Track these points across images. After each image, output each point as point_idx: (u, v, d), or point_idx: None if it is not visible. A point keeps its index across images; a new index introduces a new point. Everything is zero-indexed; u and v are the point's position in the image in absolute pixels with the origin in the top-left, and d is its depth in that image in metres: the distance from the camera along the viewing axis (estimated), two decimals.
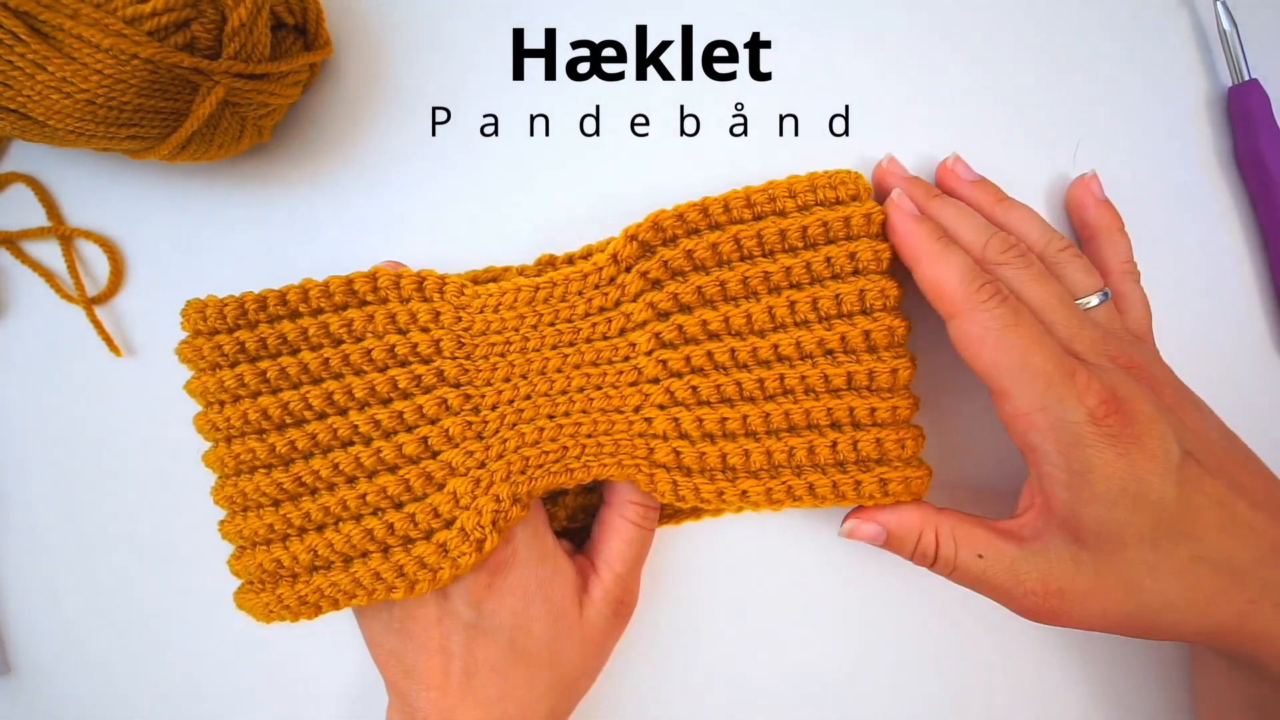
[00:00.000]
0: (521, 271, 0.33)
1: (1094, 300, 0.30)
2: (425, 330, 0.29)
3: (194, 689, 0.35)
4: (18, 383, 0.35)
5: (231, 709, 0.35)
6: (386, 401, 0.29)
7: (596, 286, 0.30)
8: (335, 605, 0.29)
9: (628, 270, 0.30)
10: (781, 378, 0.29)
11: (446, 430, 0.29)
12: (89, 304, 0.35)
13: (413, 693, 0.29)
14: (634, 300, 0.30)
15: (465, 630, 0.29)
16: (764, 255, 0.30)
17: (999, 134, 0.35)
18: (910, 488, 0.29)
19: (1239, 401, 0.34)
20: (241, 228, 0.35)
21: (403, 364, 0.29)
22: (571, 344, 0.30)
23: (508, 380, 0.29)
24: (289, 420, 0.29)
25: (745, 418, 0.29)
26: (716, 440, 0.29)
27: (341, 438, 0.29)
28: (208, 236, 0.35)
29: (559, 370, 0.30)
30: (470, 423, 0.29)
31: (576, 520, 0.34)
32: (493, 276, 0.33)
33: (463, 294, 0.30)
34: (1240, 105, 0.34)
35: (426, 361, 0.29)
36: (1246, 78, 0.34)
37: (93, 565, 0.35)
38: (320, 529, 0.29)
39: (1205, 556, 0.25)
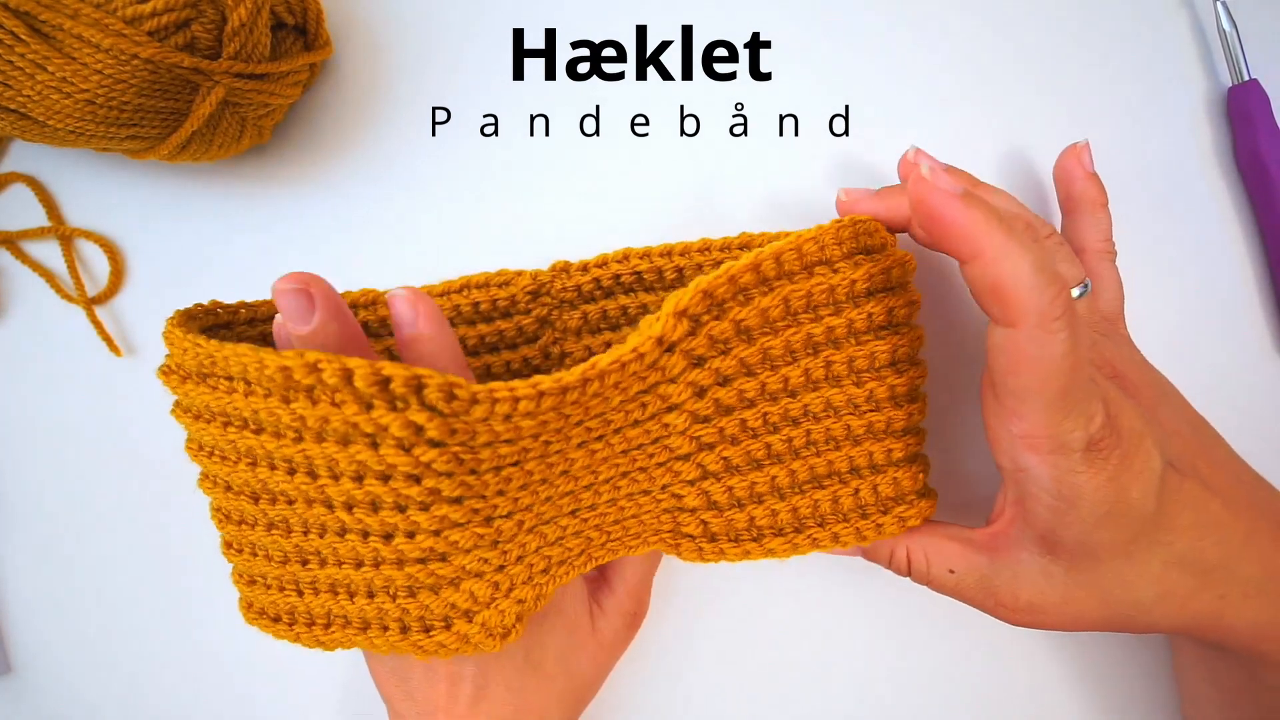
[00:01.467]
0: (535, 277, 0.32)
1: (1075, 292, 0.28)
2: (406, 450, 0.22)
3: (195, 688, 0.35)
4: (18, 383, 0.36)
5: (232, 707, 0.35)
6: (375, 508, 0.23)
7: (634, 374, 0.25)
8: (350, 646, 0.26)
9: (670, 350, 0.25)
10: (808, 433, 0.28)
11: (455, 542, 0.24)
12: (89, 304, 0.35)
13: (413, 715, 0.28)
14: (673, 381, 0.26)
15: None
16: (806, 311, 0.27)
17: (999, 134, 0.35)
18: (922, 514, 0.29)
19: (1239, 401, 0.34)
20: (241, 228, 0.35)
21: (383, 479, 0.23)
22: (600, 438, 0.25)
23: (524, 488, 0.24)
24: (280, 497, 0.25)
25: (773, 479, 0.28)
26: (745, 506, 0.28)
27: (333, 530, 0.24)
28: (208, 237, 0.35)
29: (585, 468, 0.25)
30: (481, 534, 0.24)
31: None
32: (505, 280, 0.32)
33: (454, 398, 0.21)
34: (1240, 105, 0.34)
35: (416, 480, 0.22)
36: (1246, 78, 0.34)
37: (93, 565, 0.35)
38: (334, 592, 0.26)
39: (1178, 560, 0.25)
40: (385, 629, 0.25)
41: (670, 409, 0.26)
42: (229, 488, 0.26)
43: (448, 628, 0.25)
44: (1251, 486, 0.27)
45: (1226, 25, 0.34)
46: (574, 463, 0.25)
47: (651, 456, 0.27)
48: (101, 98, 0.29)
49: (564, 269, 0.32)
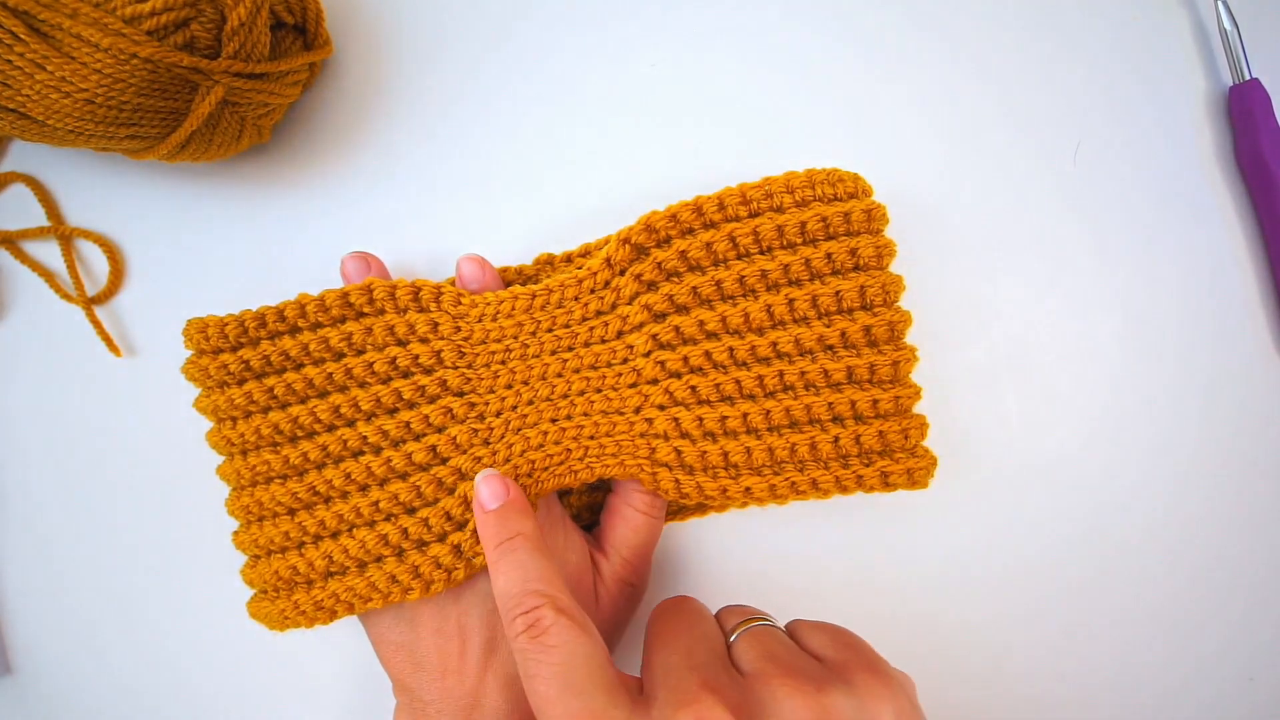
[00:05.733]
0: (520, 270, 0.33)
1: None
2: (425, 341, 0.29)
3: (194, 689, 0.35)
4: (18, 383, 0.36)
5: (233, 708, 0.35)
6: (393, 412, 0.29)
7: (592, 291, 0.30)
8: (350, 610, 0.29)
9: (622, 274, 0.30)
10: (781, 374, 0.29)
11: (454, 438, 0.29)
12: (89, 304, 0.35)
13: (424, 685, 0.29)
14: (629, 303, 0.30)
15: (485, 601, 0.29)
16: (761, 253, 0.30)
17: (999, 134, 0.35)
18: (913, 478, 0.29)
19: (1239, 401, 0.34)
20: (241, 228, 0.35)
21: (405, 375, 0.29)
22: (570, 349, 0.30)
23: (510, 387, 0.30)
24: (300, 433, 0.29)
25: (745, 415, 0.29)
26: (718, 438, 0.29)
27: (351, 448, 0.29)
28: (207, 236, 0.35)
29: (559, 375, 0.30)
30: (476, 430, 0.29)
31: (581, 519, 0.34)
32: None
33: (459, 303, 0.30)
34: (1241, 104, 0.34)
35: (429, 372, 0.29)
36: (1247, 77, 0.34)
37: (93, 565, 0.35)
38: (335, 535, 0.29)
39: None
40: (382, 561, 0.29)
41: (631, 330, 0.30)
42: (250, 450, 0.30)
43: (441, 541, 0.29)
44: None
45: (1227, 24, 0.34)
46: (549, 367, 0.30)
47: (620, 376, 0.30)
48: (101, 97, 0.29)
49: (548, 261, 0.33)
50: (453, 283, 0.32)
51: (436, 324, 0.29)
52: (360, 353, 0.29)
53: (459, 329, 0.30)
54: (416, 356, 0.29)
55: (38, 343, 0.36)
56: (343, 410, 0.29)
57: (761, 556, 0.35)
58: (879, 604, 0.35)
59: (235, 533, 0.30)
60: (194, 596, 0.35)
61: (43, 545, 0.35)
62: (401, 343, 0.29)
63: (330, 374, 0.29)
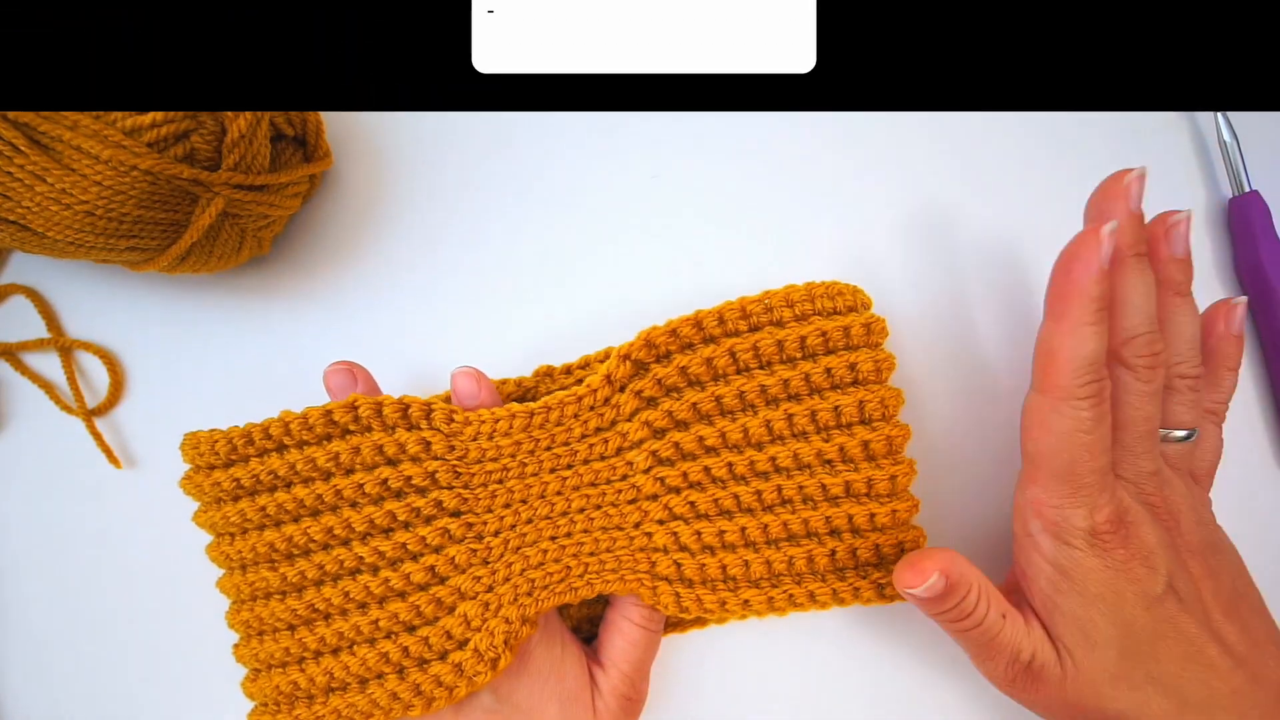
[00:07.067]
0: (519, 382, 0.33)
1: (1179, 434, 0.29)
2: (416, 461, 0.29)
3: None
4: (18, 494, 0.35)
5: None
6: (388, 532, 0.29)
7: (591, 408, 0.30)
8: None
9: (621, 390, 0.30)
10: (779, 489, 0.29)
11: (452, 558, 0.29)
12: (89, 415, 0.35)
13: None
14: (629, 419, 0.30)
15: (485, 717, 0.29)
16: (761, 368, 0.30)
17: (1000, 238, 0.35)
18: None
19: (1240, 510, 0.34)
20: (241, 340, 0.35)
21: (398, 495, 0.29)
22: (569, 466, 0.30)
23: (508, 506, 0.29)
24: (295, 551, 0.29)
25: (744, 529, 0.29)
26: (716, 552, 0.30)
27: (349, 567, 0.29)
28: (208, 348, 0.35)
29: (558, 493, 0.29)
30: (475, 550, 0.29)
31: (581, 631, 0.34)
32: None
33: (452, 421, 0.29)
34: (1241, 216, 0.34)
35: (423, 492, 0.29)
36: (1247, 189, 0.34)
37: (92, 677, 0.35)
38: (336, 652, 0.29)
39: (1159, 679, 0.27)
40: (384, 678, 0.29)
41: (631, 447, 0.30)
42: (248, 565, 0.29)
43: (443, 659, 0.28)
44: (1267, 656, 0.28)
45: (1227, 136, 0.34)
46: (548, 486, 0.29)
47: (620, 493, 0.30)
48: (101, 209, 0.29)
49: (547, 373, 0.33)
50: (447, 398, 0.32)
51: (429, 443, 0.29)
52: (349, 472, 0.29)
53: (453, 448, 0.29)
54: (409, 477, 0.29)
55: (38, 454, 0.35)
56: (336, 530, 0.29)
57: (763, 663, 0.35)
58: (893, 700, 0.35)
59: (236, 646, 0.30)
60: (195, 709, 0.35)
61: (42, 657, 0.35)
62: (392, 462, 0.29)
63: (320, 494, 0.29)
